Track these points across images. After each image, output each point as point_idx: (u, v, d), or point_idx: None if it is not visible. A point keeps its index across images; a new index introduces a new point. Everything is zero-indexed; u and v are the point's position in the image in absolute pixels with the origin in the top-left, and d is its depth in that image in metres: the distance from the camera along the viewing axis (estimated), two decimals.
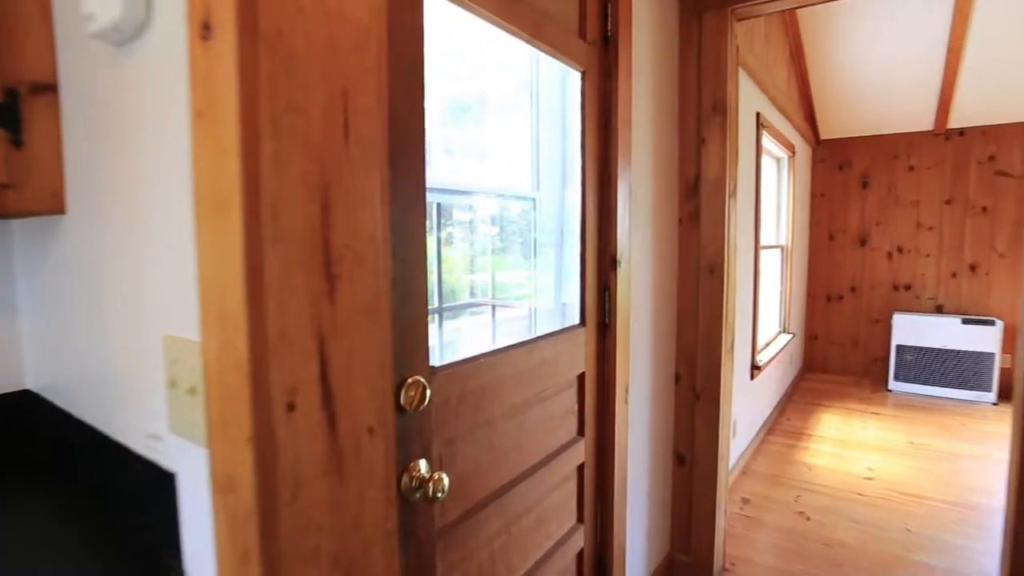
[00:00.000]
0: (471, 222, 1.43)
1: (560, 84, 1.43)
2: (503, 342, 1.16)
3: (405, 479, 0.85)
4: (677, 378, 1.96)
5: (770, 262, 3.82)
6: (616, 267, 1.47)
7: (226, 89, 0.44)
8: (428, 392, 0.86)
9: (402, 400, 0.83)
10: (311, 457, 0.50)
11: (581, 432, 1.41)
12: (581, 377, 1.40)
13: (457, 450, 0.99)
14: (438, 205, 1.16)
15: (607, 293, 1.47)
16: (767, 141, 3.34)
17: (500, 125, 1.46)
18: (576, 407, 1.40)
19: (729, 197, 1.85)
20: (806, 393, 4.30)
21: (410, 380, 0.85)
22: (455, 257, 1.45)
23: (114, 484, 0.72)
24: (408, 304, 0.84)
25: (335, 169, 0.51)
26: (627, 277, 1.52)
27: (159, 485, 0.62)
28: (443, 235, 1.39)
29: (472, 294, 1.49)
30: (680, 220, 1.91)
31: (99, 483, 0.75)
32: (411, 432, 0.86)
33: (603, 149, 1.45)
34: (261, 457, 0.46)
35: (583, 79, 1.36)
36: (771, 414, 3.63)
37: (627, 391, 1.54)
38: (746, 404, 2.99)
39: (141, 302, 0.63)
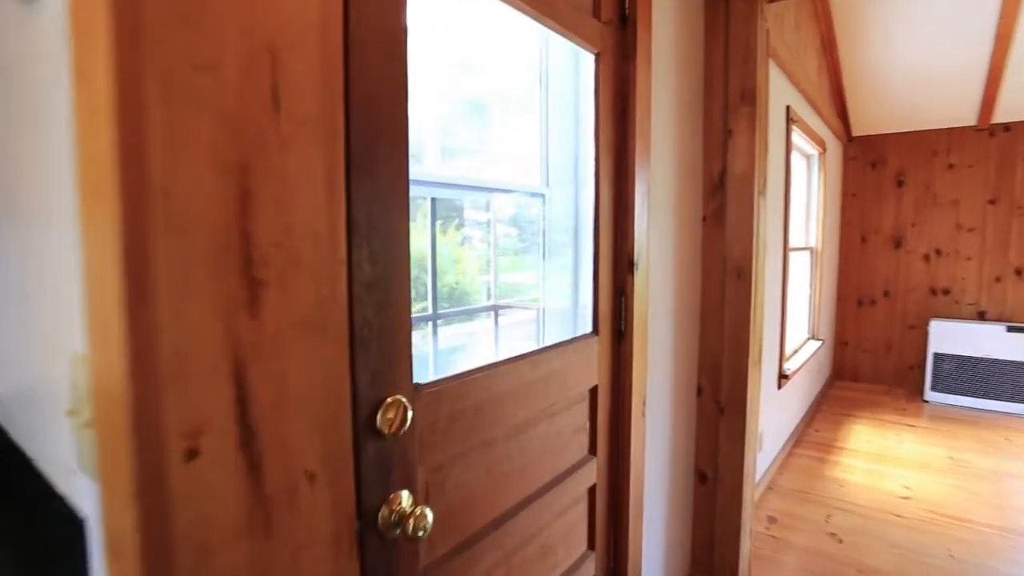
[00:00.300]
0: (473, 220, 1.31)
1: (573, 68, 1.31)
2: (506, 350, 1.05)
3: (384, 512, 0.74)
4: (699, 390, 1.82)
5: (799, 265, 3.63)
6: (633, 270, 1.34)
7: (100, 34, 0.33)
8: (410, 414, 0.75)
9: (379, 423, 0.72)
10: (223, 514, 0.39)
11: (593, 451, 1.29)
12: (594, 391, 1.27)
13: (448, 477, 0.88)
14: (432, 200, 1.04)
15: (623, 298, 1.34)
16: (797, 137, 3.16)
17: (504, 112, 1.34)
18: (588, 423, 1.27)
19: (758, 194, 1.71)
20: (836, 402, 4.08)
21: (389, 400, 0.73)
22: (452, 257, 1.34)
23: (36, 517, 0.62)
24: (387, 313, 0.73)
25: (259, 146, 0.40)
26: (645, 280, 1.39)
27: (70, 529, 0.52)
28: (438, 233, 1.28)
29: (489, 296, 1.38)
30: (704, 219, 1.77)
31: (25, 513, 0.66)
32: (391, 460, 0.75)
33: (619, 140, 1.32)
34: (148, 518, 0.35)
35: (597, 62, 1.24)
36: (799, 425, 3.45)
37: (644, 405, 1.41)
38: (773, 415, 2.82)
39: (56, 310, 0.52)
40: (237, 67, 0.38)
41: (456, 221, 1.32)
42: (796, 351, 3.48)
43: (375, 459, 0.73)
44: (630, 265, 1.34)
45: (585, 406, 1.26)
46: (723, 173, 1.72)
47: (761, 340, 1.84)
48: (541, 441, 1.11)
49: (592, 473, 1.28)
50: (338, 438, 0.49)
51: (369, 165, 0.69)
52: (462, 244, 1.34)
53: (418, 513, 0.74)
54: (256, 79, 0.39)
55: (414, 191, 1.09)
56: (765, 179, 1.77)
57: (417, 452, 0.80)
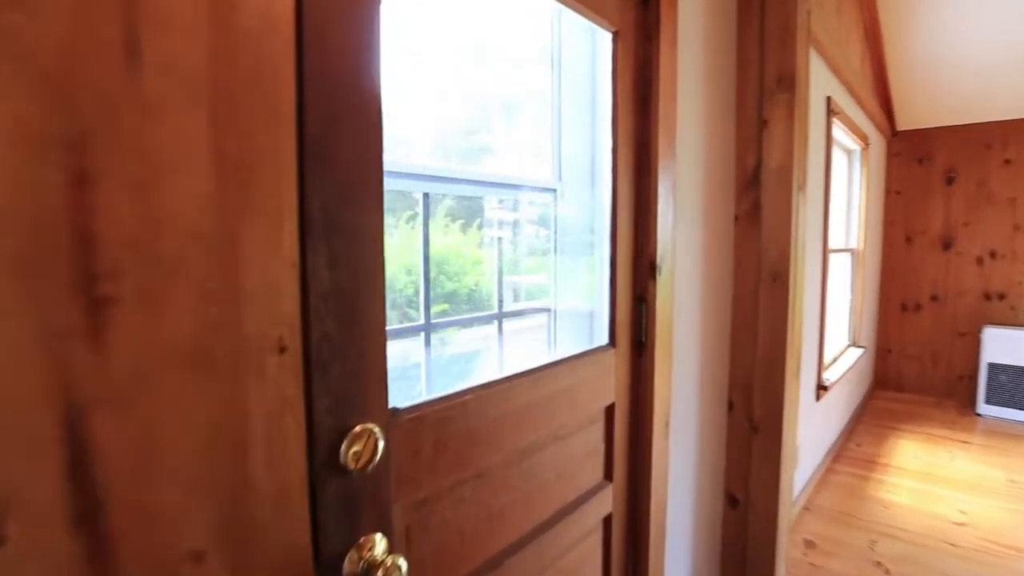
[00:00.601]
0: (501, 219, 1.20)
1: (589, 50, 1.18)
2: (514, 362, 0.93)
3: (352, 557, 0.63)
4: (730, 405, 1.66)
5: (839, 267, 3.40)
6: (655, 274, 1.20)
7: None
8: (381, 444, 0.63)
9: (343, 457, 0.61)
10: None
11: (609, 476, 1.15)
12: (609, 409, 1.14)
13: (433, 514, 0.76)
14: (425, 196, 0.93)
15: (644, 305, 1.21)
16: (837, 131, 2.95)
17: (511, 99, 1.22)
18: (603, 446, 1.14)
19: (797, 190, 1.54)
20: (878, 414, 3.83)
21: (357, 429, 0.62)
22: (474, 258, 1.23)
23: None
24: (353, 327, 0.62)
25: (106, 111, 0.29)
26: (669, 286, 1.25)
27: None
28: (459, 233, 1.18)
29: (508, 300, 1.27)
30: (736, 218, 1.62)
31: None
32: (359, 499, 0.64)
33: (640, 130, 1.19)
34: None
35: (615, 42, 1.10)
36: (838, 438, 3.22)
37: (667, 424, 1.27)
38: (810, 428, 2.63)
39: None
40: (70, 3, 0.27)
41: (478, 221, 1.23)
42: (836, 359, 3.26)
43: (338, 499, 0.62)
44: (652, 269, 1.20)
45: (600, 426, 1.12)
46: (758, 167, 1.57)
47: (800, 351, 1.67)
48: (548, 467, 0.98)
49: (607, 501, 1.14)
50: (246, 501, 0.38)
51: (329, 149, 0.58)
52: (482, 245, 1.24)
53: (388, 564, 0.62)
54: (98, 15, 0.28)
55: (409, 186, 0.98)
56: (805, 173, 1.61)
57: (393, 488, 0.68)
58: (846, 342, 3.64)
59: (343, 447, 0.61)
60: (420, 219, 1.28)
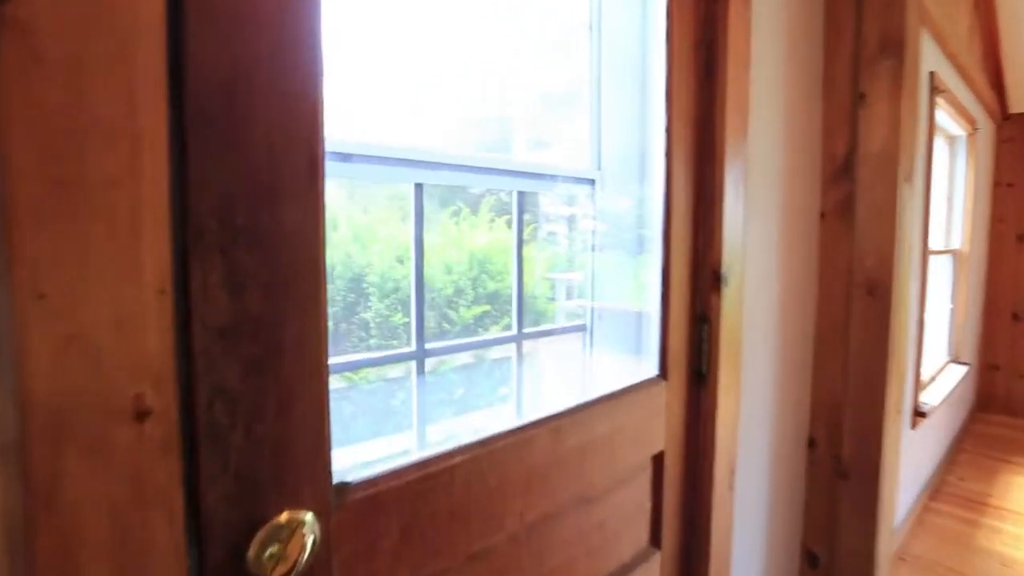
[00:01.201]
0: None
1: (637, 6, 0.95)
2: (528, 390, 0.72)
3: None
4: (811, 443, 1.37)
5: (938, 271, 2.95)
6: (721, 286, 0.96)
7: None
8: (312, 539, 0.45)
9: (255, 563, 0.42)
10: None
11: (656, 542, 0.92)
12: (658, 459, 0.91)
13: None
14: (418, 187, 0.74)
15: (705, 326, 0.97)
16: (940, 113, 2.53)
17: (537, 74, 1.01)
18: (649, 504, 0.91)
19: (903, 181, 1.24)
20: (983, 442, 3.31)
21: (281, 519, 0.44)
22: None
23: None
24: (271, 375, 0.43)
25: None
26: (737, 301, 1.00)
27: None
28: (497, 229, 1.00)
29: (569, 296, 1.08)
30: (822, 215, 1.33)
31: None
32: None
33: (703, 106, 0.95)
34: None
35: None
36: (936, 471, 2.78)
37: (733, 474, 1.02)
38: (905, 461, 2.24)
39: None
40: None
41: (528, 216, 1.06)
42: (933, 378, 2.82)
43: None
44: (716, 280, 0.96)
45: (646, 480, 0.89)
46: (851, 153, 1.27)
47: (903, 379, 1.36)
48: (575, 538, 0.76)
49: (654, 573, 0.91)
50: None
51: (230, 120, 0.40)
52: (531, 241, 1.06)
53: None
54: None
55: (408, 175, 0.79)
56: (912, 160, 1.30)
57: None
58: (945, 358, 3.16)
59: (252, 549, 0.42)
60: (464, 213, 1.11)
